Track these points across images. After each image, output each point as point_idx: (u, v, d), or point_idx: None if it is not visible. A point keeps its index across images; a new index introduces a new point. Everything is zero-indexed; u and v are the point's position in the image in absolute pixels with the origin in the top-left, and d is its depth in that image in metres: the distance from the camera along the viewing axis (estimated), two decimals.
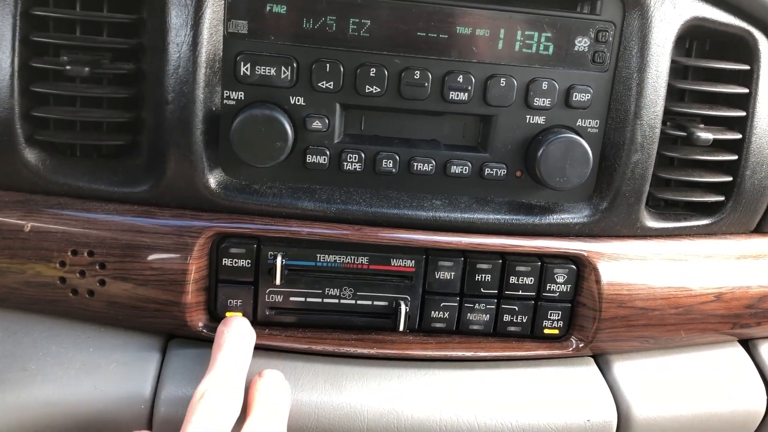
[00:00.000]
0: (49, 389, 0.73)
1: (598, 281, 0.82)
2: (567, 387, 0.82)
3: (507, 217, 0.80)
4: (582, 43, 0.77)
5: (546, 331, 0.84)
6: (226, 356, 0.71)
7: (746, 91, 0.82)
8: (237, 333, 0.75)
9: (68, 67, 0.71)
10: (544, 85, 0.77)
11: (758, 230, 0.90)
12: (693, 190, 0.86)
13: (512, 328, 0.84)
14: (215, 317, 0.80)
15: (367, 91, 0.75)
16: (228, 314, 0.80)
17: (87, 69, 0.71)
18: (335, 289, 0.80)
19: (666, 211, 0.87)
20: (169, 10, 0.71)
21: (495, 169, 0.79)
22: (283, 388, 0.74)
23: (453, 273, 0.81)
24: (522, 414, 0.79)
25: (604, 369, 0.85)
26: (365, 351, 0.80)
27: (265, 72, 0.74)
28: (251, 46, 0.74)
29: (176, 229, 0.76)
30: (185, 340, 0.80)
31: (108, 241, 0.76)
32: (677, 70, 0.83)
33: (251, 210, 0.77)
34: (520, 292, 0.83)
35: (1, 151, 0.74)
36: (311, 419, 0.75)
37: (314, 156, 0.77)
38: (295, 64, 0.74)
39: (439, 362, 0.82)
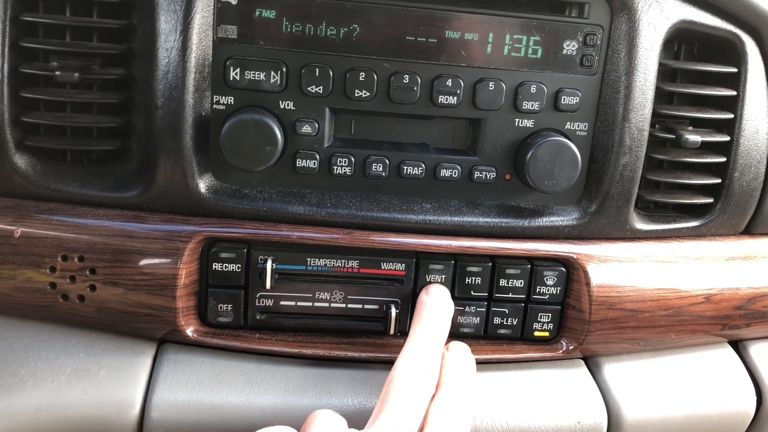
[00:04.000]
0: (40, 395, 0.73)
1: (587, 283, 0.82)
2: (557, 389, 0.82)
3: (497, 220, 0.80)
4: (570, 47, 0.77)
5: (536, 333, 0.85)
6: (424, 328, 0.72)
7: (734, 93, 0.83)
8: (437, 303, 0.76)
9: (58, 73, 0.71)
10: (533, 89, 0.77)
11: (747, 232, 0.90)
12: (682, 192, 0.87)
13: (502, 331, 0.84)
14: (206, 322, 0.80)
15: (356, 95, 0.75)
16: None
17: (77, 74, 0.71)
18: (326, 293, 0.80)
19: (655, 213, 0.87)
20: (159, 15, 0.71)
21: (484, 173, 0.80)
22: (470, 362, 0.74)
23: (443, 276, 0.81)
24: (512, 416, 0.79)
25: (594, 371, 0.86)
26: (356, 355, 0.80)
27: (254, 77, 0.74)
28: (241, 51, 0.74)
29: (166, 233, 0.76)
30: (176, 344, 0.80)
31: (98, 246, 0.76)
32: (666, 73, 0.84)
33: (241, 214, 0.77)
34: (510, 295, 0.83)
35: None
36: (302, 423, 0.75)
37: (304, 160, 0.77)
38: (284, 69, 0.74)
39: None
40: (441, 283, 0.81)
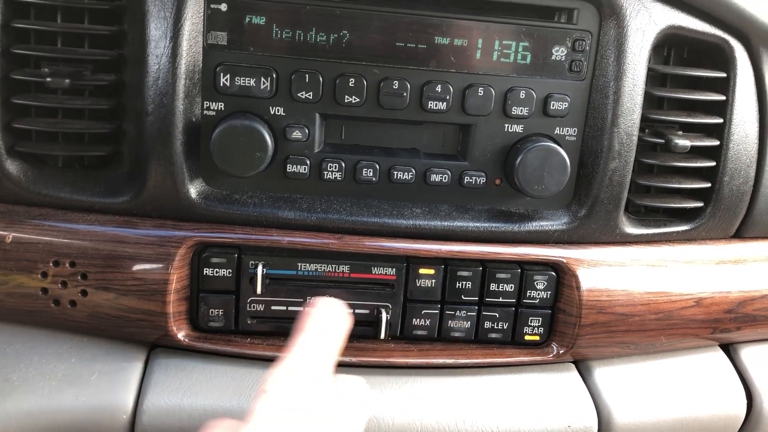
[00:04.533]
0: (32, 400, 0.73)
1: (577, 288, 0.82)
2: (548, 393, 0.83)
3: (487, 224, 0.81)
4: (559, 53, 0.78)
5: (527, 337, 0.85)
6: (305, 343, 0.60)
7: (723, 98, 0.83)
8: (325, 315, 0.63)
9: (49, 79, 0.71)
10: (522, 94, 0.78)
11: (737, 235, 0.91)
12: (672, 196, 0.87)
13: (493, 335, 0.84)
14: (197, 327, 0.81)
15: (346, 101, 0.76)
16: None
17: (68, 81, 0.71)
18: (317, 298, 0.80)
19: (645, 218, 0.88)
20: (149, 22, 0.72)
21: (474, 178, 0.80)
22: (337, 319, 0.64)
23: (434, 280, 0.81)
24: (503, 420, 0.79)
25: (585, 375, 0.86)
26: (347, 359, 0.80)
27: (244, 83, 0.74)
28: (231, 57, 0.74)
29: (157, 239, 0.77)
30: (168, 350, 0.80)
31: (90, 251, 0.76)
32: (655, 78, 0.84)
33: (232, 219, 0.78)
34: (501, 299, 0.83)
35: None
36: None
37: (294, 165, 0.77)
38: (274, 75, 0.74)
39: (421, 369, 0.83)
40: (431, 287, 0.81)
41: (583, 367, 0.87)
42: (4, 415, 0.72)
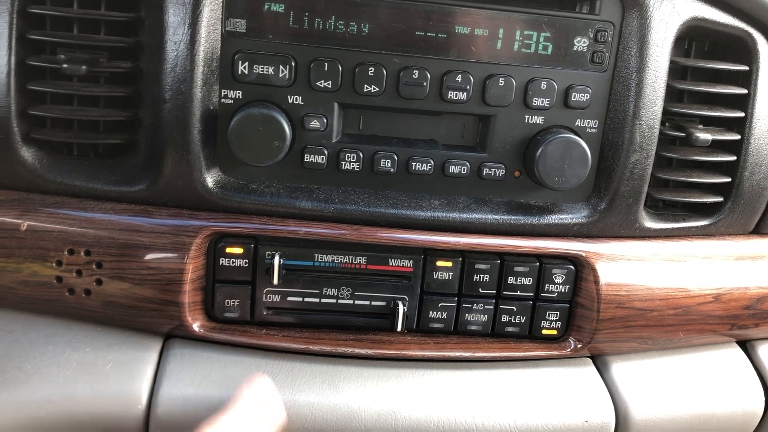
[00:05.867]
0: (46, 389, 0.73)
1: (596, 282, 0.82)
2: (565, 388, 0.82)
3: (505, 217, 0.80)
4: (581, 43, 0.77)
5: (544, 331, 0.84)
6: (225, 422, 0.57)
7: (745, 91, 0.82)
8: (255, 399, 0.58)
9: (65, 66, 0.71)
10: (543, 85, 0.77)
11: (756, 231, 0.90)
12: (691, 190, 0.86)
13: (510, 329, 0.84)
14: (212, 317, 0.80)
15: (365, 90, 0.75)
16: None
17: (84, 67, 0.71)
18: (333, 289, 0.80)
19: (664, 212, 0.87)
20: (167, 8, 0.71)
21: (493, 169, 0.79)
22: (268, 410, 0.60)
23: (451, 273, 0.81)
24: (520, 415, 0.78)
25: (602, 370, 0.85)
26: (363, 351, 0.80)
27: (263, 71, 0.73)
28: (249, 45, 0.73)
29: (173, 228, 0.76)
30: (183, 340, 0.80)
31: (105, 240, 0.76)
32: (676, 71, 0.83)
33: (249, 209, 0.77)
34: (519, 293, 0.82)
35: None
36: (308, 420, 0.75)
37: (312, 155, 0.77)
38: (293, 63, 0.74)
39: (437, 362, 0.82)
40: (448, 280, 0.80)
41: (600, 362, 0.86)
42: (18, 403, 0.72)
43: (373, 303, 0.81)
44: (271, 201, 0.77)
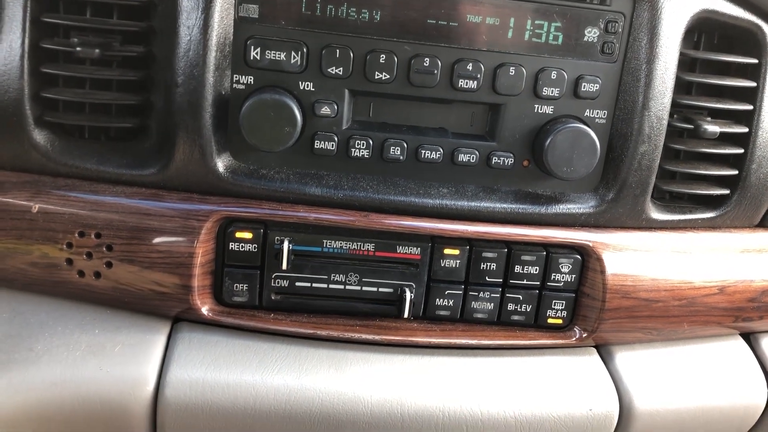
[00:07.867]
0: (55, 370, 0.73)
1: (602, 272, 0.82)
2: (569, 377, 0.82)
3: (513, 206, 0.80)
4: (591, 34, 0.77)
5: (550, 320, 0.85)
6: None
7: (754, 84, 0.82)
8: None
9: (78, 49, 0.71)
10: (553, 75, 0.77)
11: (762, 224, 0.90)
12: (698, 182, 0.86)
13: (516, 317, 0.84)
14: (221, 301, 0.81)
15: (376, 77, 0.75)
16: None
17: (97, 51, 0.71)
18: (341, 275, 0.80)
19: (671, 204, 0.87)
20: None
21: (502, 158, 0.80)
22: None
23: (458, 261, 0.81)
24: (524, 403, 0.79)
25: (606, 360, 0.86)
26: (369, 337, 0.80)
27: (274, 57, 0.74)
28: (261, 31, 0.74)
29: (184, 212, 0.77)
30: (191, 323, 0.80)
31: (115, 223, 0.76)
32: (685, 63, 0.84)
33: (259, 195, 0.77)
34: (525, 282, 0.83)
35: (10, 132, 0.74)
36: (315, 404, 0.75)
37: (322, 142, 0.77)
38: (304, 50, 0.74)
39: (443, 350, 0.83)
40: (455, 268, 0.81)
41: (604, 352, 0.87)
42: (28, 384, 0.72)
43: (381, 289, 0.81)
44: (281, 186, 0.77)
